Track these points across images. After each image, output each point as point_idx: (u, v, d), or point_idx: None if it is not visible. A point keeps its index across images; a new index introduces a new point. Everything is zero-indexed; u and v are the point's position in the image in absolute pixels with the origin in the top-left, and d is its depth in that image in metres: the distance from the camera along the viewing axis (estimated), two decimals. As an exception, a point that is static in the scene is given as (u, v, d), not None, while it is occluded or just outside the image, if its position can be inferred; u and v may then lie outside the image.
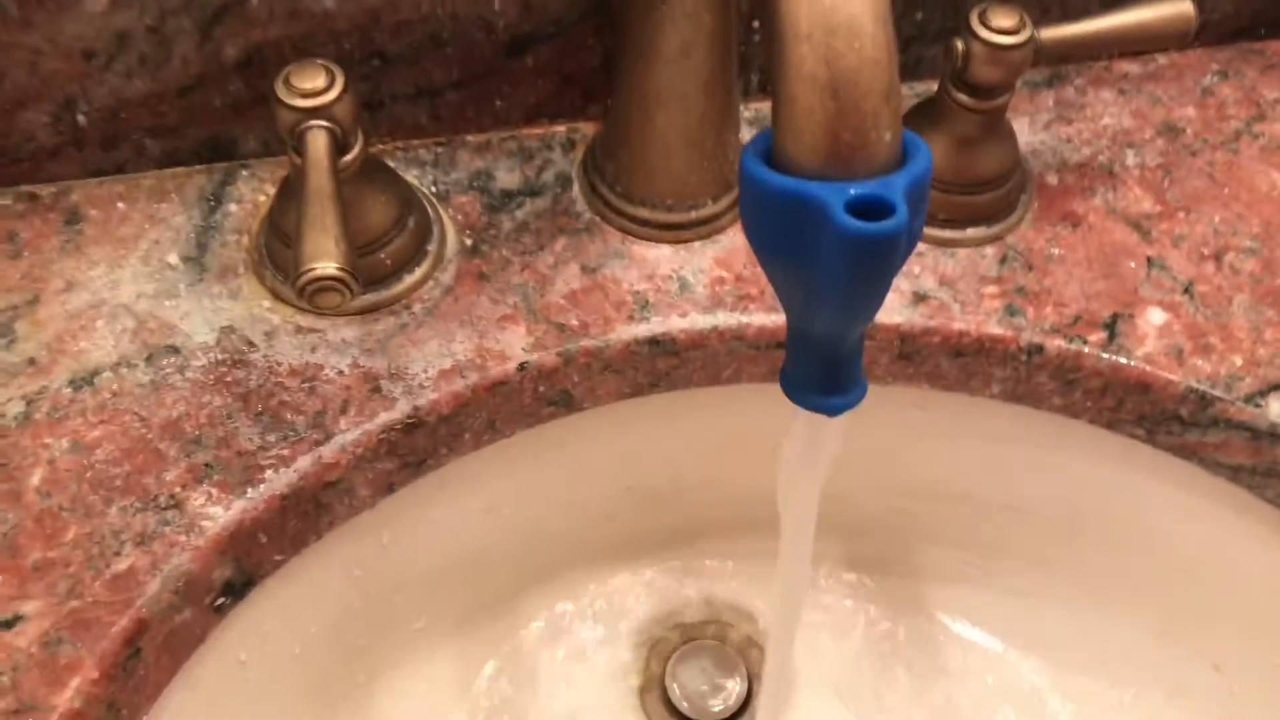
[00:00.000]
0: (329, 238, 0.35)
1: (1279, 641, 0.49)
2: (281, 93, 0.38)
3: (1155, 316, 0.46)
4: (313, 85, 0.38)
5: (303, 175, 0.37)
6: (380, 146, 0.48)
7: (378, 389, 0.42)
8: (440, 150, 0.49)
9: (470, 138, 0.49)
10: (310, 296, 0.35)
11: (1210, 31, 0.54)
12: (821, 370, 0.29)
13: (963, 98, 0.44)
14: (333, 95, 0.38)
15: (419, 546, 0.48)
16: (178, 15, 0.42)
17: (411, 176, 0.48)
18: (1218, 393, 0.44)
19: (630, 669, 0.55)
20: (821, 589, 0.57)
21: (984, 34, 0.42)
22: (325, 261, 0.35)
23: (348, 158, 0.40)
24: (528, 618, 0.55)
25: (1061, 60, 0.52)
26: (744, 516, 0.55)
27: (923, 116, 0.46)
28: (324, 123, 0.38)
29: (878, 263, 0.25)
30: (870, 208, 0.25)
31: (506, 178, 0.48)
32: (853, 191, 0.25)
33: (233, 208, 0.46)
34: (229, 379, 0.42)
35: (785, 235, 0.26)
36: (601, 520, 0.54)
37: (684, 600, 0.57)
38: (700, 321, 0.45)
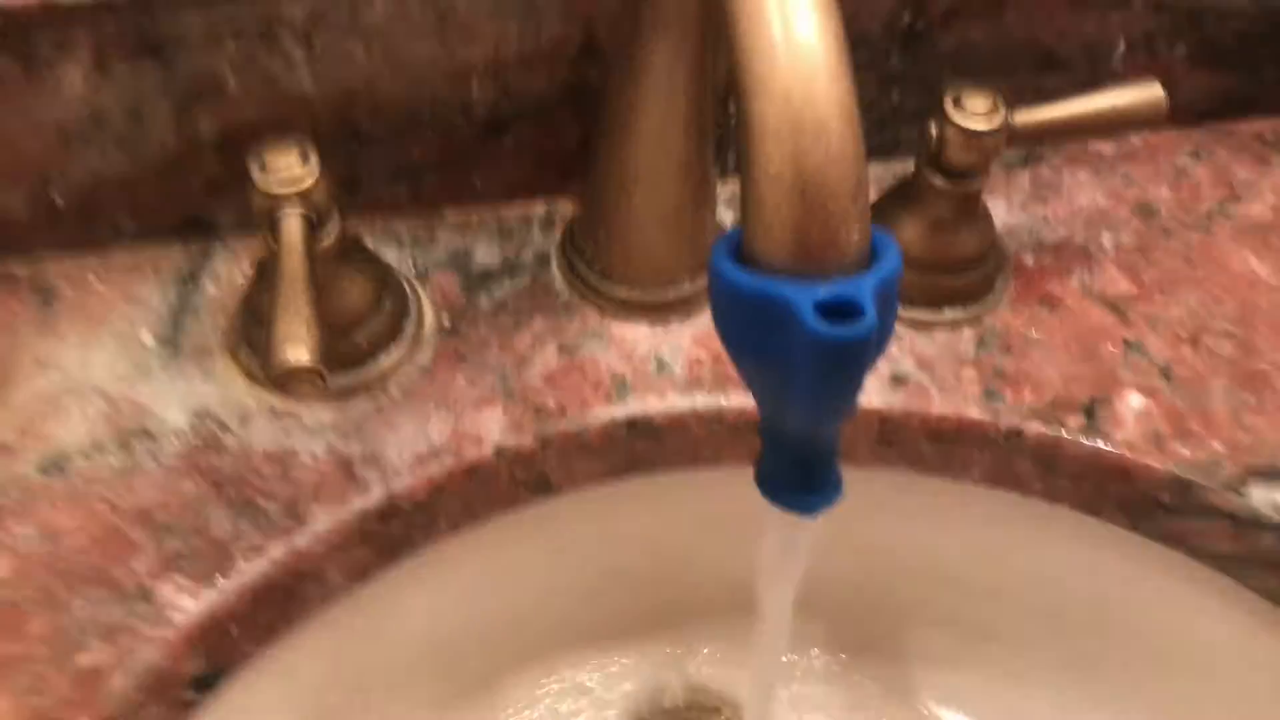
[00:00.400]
0: (301, 327, 0.35)
1: (1265, 726, 0.49)
2: (256, 177, 0.38)
3: (1134, 400, 0.46)
4: (287, 168, 0.38)
5: (277, 261, 0.37)
6: (359, 224, 0.48)
7: (353, 475, 0.41)
8: (419, 229, 0.49)
9: (449, 216, 0.49)
10: (283, 383, 0.35)
11: (1183, 112, 0.55)
12: (796, 469, 0.29)
13: (938, 180, 0.44)
14: (309, 181, 0.38)
15: (395, 633, 0.47)
16: (155, 97, 0.42)
17: (390, 254, 0.47)
18: (1199, 479, 0.44)
19: (610, 753, 0.54)
20: (805, 670, 0.57)
21: (957, 118, 0.42)
22: (298, 347, 0.34)
23: (324, 241, 0.40)
24: (508, 704, 0.54)
25: (1035, 142, 0.53)
26: (727, 598, 0.54)
27: (899, 198, 0.46)
28: (299, 209, 0.38)
29: (847, 365, 0.25)
30: (839, 309, 0.25)
31: (485, 256, 0.48)
32: (821, 293, 0.25)
33: (209, 286, 0.46)
34: (202, 464, 0.41)
35: (754, 334, 0.26)
36: (582, 603, 0.53)
37: (667, 684, 0.56)
38: (678, 403, 0.44)
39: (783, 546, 0.34)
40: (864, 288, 0.25)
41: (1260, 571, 0.45)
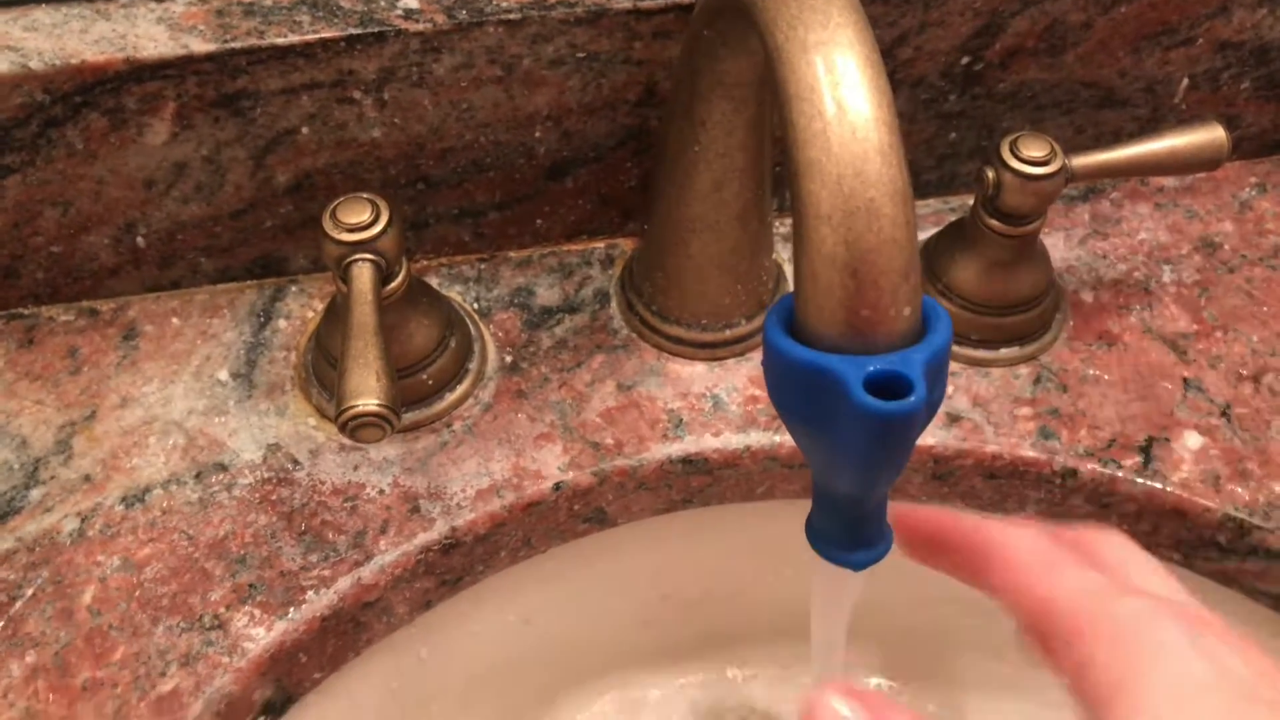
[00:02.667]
0: (371, 374, 0.37)
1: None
2: (328, 227, 0.40)
3: (1192, 440, 0.46)
4: (358, 219, 0.40)
5: (348, 308, 0.39)
6: (424, 263, 0.50)
7: (417, 509, 0.43)
8: (483, 266, 0.50)
9: (512, 254, 0.50)
10: (351, 432, 0.36)
11: (1247, 144, 0.55)
12: (845, 526, 0.30)
13: (994, 223, 0.44)
14: (378, 229, 0.40)
15: (455, 658, 0.48)
16: (232, 146, 0.44)
17: (454, 293, 0.49)
18: (1256, 521, 0.43)
19: (664, 776, 0.55)
20: (857, 697, 0.57)
21: (1015, 164, 0.43)
22: (367, 399, 0.36)
23: (391, 285, 0.41)
24: (563, 723, 0.55)
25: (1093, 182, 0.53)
26: (780, 623, 0.55)
27: (955, 238, 0.47)
28: (369, 255, 0.40)
29: (896, 437, 0.26)
30: (889, 385, 0.25)
31: (546, 294, 0.49)
32: (871, 368, 0.25)
33: (282, 324, 0.48)
34: (274, 497, 0.43)
35: (805, 402, 0.27)
36: (637, 628, 0.54)
37: (721, 708, 0.57)
38: (733, 441, 0.45)
39: (832, 592, 0.34)
40: (914, 362, 0.26)
41: (1320, 616, 0.44)
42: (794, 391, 0.27)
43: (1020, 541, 0.30)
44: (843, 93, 0.26)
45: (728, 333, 0.47)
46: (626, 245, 0.51)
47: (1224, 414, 0.46)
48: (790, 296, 0.28)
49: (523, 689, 0.53)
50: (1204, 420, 0.46)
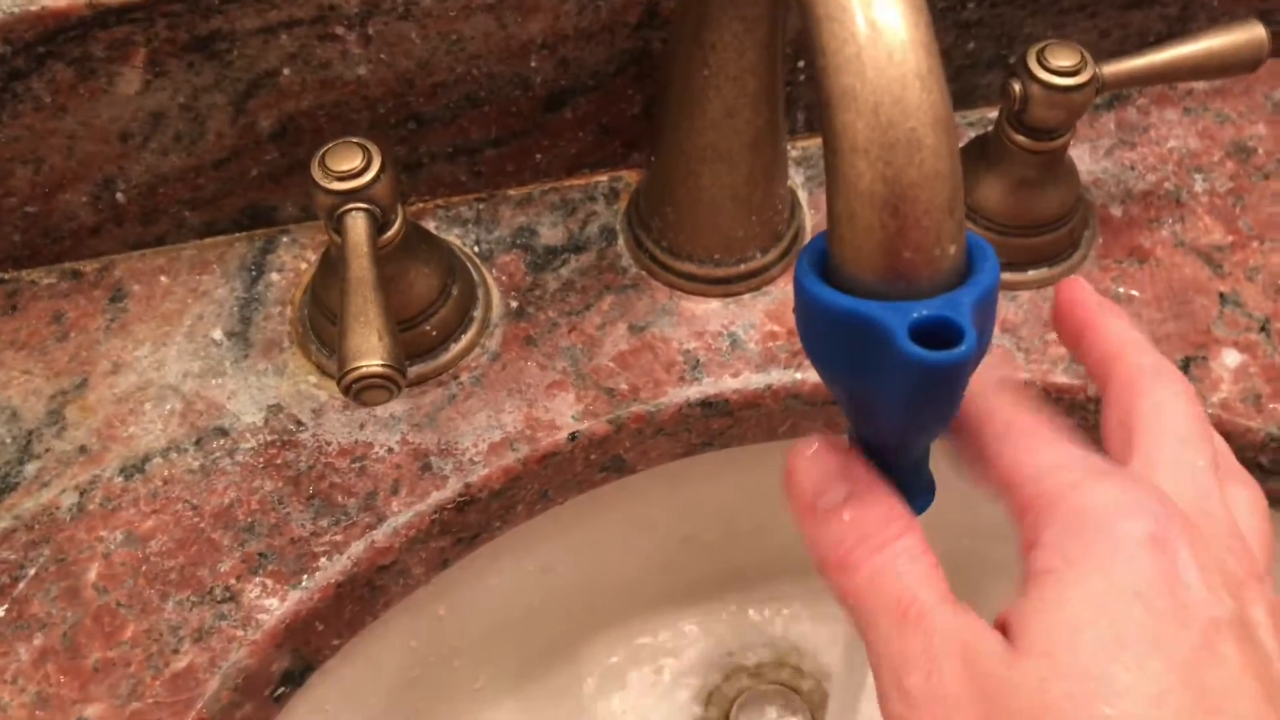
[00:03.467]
0: (372, 333, 0.35)
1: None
2: (318, 176, 0.37)
3: (1230, 358, 0.44)
4: (349, 166, 0.37)
5: (344, 261, 0.37)
6: (420, 206, 0.47)
7: (428, 466, 0.41)
8: (482, 207, 0.48)
9: (512, 192, 0.48)
10: (356, 395, 0.35)
11: (1280, 41, 0.52)
12: (888, 478, 0.28)
13: (1021, 139, 0.42)
14: (370, 176, 0.37)
15: (475, 612, 0.47)
16: (210, 92, 0.41)
17: (453, 236, 0.47)
18: (1300, 441, 0.42)
19: (694, 716, 0.54)
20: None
21: (1043, 75, 0.40)
22: (370, 359, 0.34)
23: (388, 234, 0.39)
24: (587, 669, 0.54)
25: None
26: (800, 558, 0.53)
27: (978, 156, 0.44)
28: (362, 205, 0.37)
29: (946, 388, 0.24)
30: (937, 332, 0.23)
31: (550, 233, 0.47)
32: (916, 315, 0.23)
33: (274, 276, 0.46)
34: (279, 461, 0.41)
35: (845, 354, 0.25)
36: (657, 570, 0.53)
37: (745, 644, 0.56)
38: (753, 381, 0.43)
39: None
40: (962, 306, 0.23)
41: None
42: (831, 342, 0.25)
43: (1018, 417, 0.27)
44: (876, 12, 0.23)
45: (742, 267, 0.45)
46: (631, 178, 0.48)
47: (1263, 329, 0.44)
48: (822, 237, 0.26)
49: (544, 638, 0.52)
50: (1242, 336, 0.44)
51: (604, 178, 0.48)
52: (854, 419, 0.27)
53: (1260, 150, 0.49)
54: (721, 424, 0.44)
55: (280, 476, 0.41)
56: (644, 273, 0.46)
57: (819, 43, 0.24)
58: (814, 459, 0.28)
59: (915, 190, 0.23)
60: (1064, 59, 0.40)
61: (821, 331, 0.25)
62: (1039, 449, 0.26)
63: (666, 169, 0.43)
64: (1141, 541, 0.23)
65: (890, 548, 0.26)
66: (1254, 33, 0.42)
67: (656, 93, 0.45)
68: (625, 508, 0.48)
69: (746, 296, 0.45)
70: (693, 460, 0.46)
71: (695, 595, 0.55)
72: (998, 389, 0.28)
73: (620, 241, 0.46)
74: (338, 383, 0.35)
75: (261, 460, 0.41)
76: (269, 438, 0.42)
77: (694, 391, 0.43)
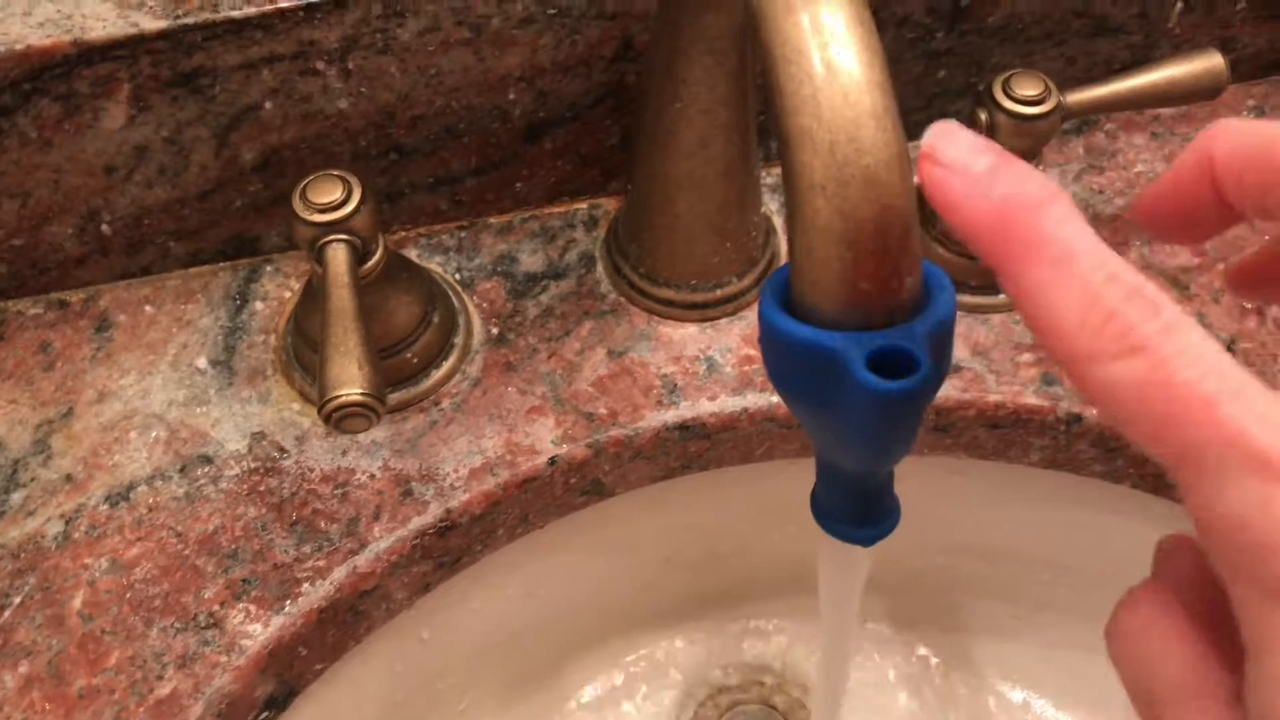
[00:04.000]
0: (352, 362, 0.35)
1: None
2: (299, 208, 0.38)
3: (1197, 378, 0.45)
4: (329, 199, 0.38)
5: (324, 292, 0.37)
6: (401, 234, 0.48)
7: (409, 492, 0.42)
8: (463, 235, 0.48)
9: (492, 220, 0.49)
10: (336, 423, 0.35)
11: (1243, 66, 0.53)
12: (852, 502, 0.29)
13: (989, 167, 0.43)
14: (350, 208, 0.38)
15: (458, 636, 0.48)
16: (194, 126, 0.42)
17: (435, 264, 0.47)
18: (1265, 459, 0.43)
19: (675, 736, 0.55)
20: (865, 647, 0.57)
21: (1008, 104, 0.41)
22: (349, 388, 0.35)
23: (368, 264, 0.40)
24: (571, 690, 0.55)
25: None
26: (782, 577, 0.54)
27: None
28: (343, 236, 0.38)
29: (902, 415, 0.25)
30: (893, 362, 0.24)
31: (530, 260, 0.48)
32: (873, 345, 0.24)
33: (258, 305, 0.46)
34: (262, 488, 0.42)
35: (806, 382, 0.26)
36: (639, 591, 0.54)
37: (727, 663, 0.57)
38: (730, 404, 0.44)
39: (841, 568, 0.34)
40: (917, 336, 0.24)
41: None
42: (793, 370, 0.26)
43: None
44: (832, 53, 0.24)
45: (718, 292, 0.45)
46: (610, 205, 0.49)
47: (1229, 349, 0.45)
48: (785, 269, 0.27)
49: (527, 660, 0.53)
50: (1209, 357, 0.45)
51: (583, 205, 0.49)
52: (819, 443, 0.28)
53: (1225, 174, 0.50)
54: (699, 447, 0.45)
55: (264, 503, 0.41)
56: (623, 299, 0.46)
57: (777, 83, 0.25)
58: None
59: (871, 225, 0.24)
60: (1028, 88, 0.41)
61: (784, 361, 0.26)
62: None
63: (643, 198, 0.43)
64: None
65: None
66: (1213, 61, 0.43)
67: (632, 124, 0.46)
68: (606, 530, 0.48)
69: (723, 321, 0.46)
70: (672, 483, 0.47)
71: (678, 615, 0.56)
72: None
73: (599, 268, 0.47)
74: (318, 411, 0.35)
75: (245, 487, 0.42)
76: (253, 465, 0.42)
77: (671, 415, 0.44)
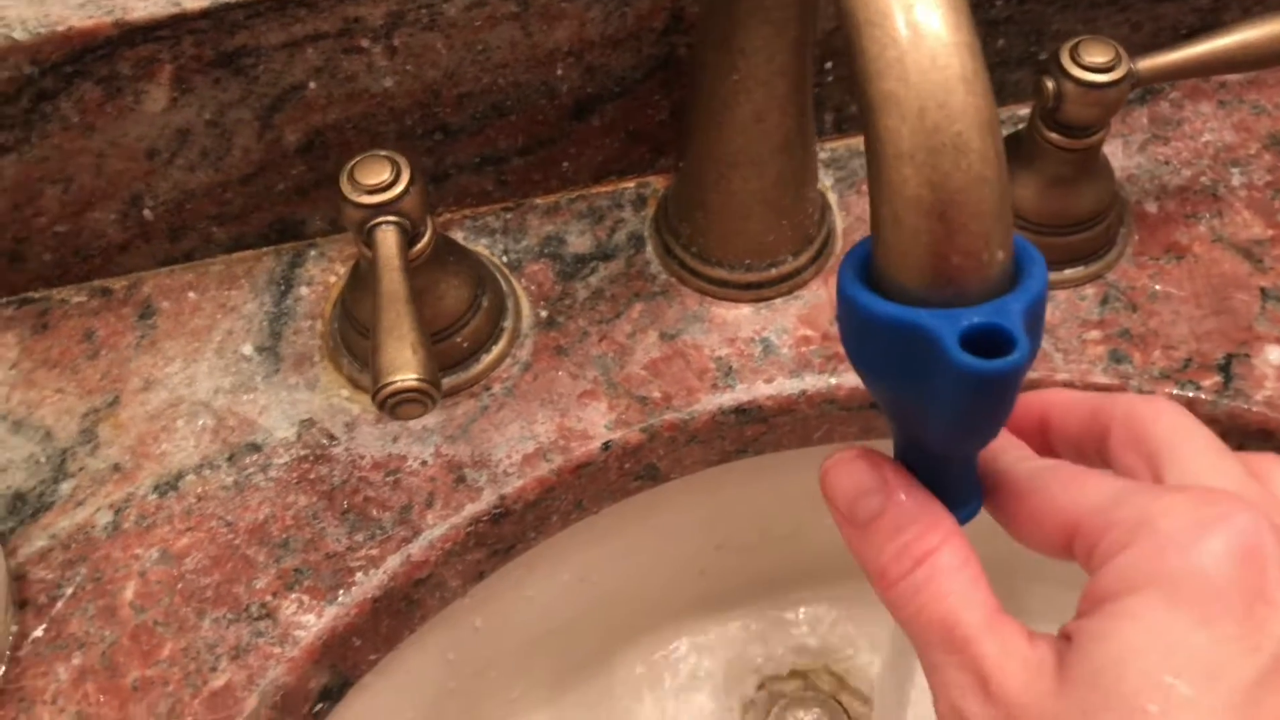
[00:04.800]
0: (406, 347, 0.34)
1: None
2: (347, 190, 0.37)
3: (1274, 354, 0.43)
4: (378, 180, 0.37)
5: (375, 276, 0.36)
6: (447, 216, 0.47)
7: (462, 478, 0.41)
8: (509, 216, 0.47)
9: (539, 201, 0.48)
10: (391, 409, 0.34)
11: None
12: (935, 486, 0.28)
13: (1055, 137, 0.41)
14: (399, 189, 0.37)
15: (511, 624, 0.47)
16: (236, 107, 0.41)
17: (481, 246, 0.46)
18: (1347, 438, 0.41)
19: (730, 724, 0.54)
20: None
21: (1077, 72, 0.39)
22: (405, 373, 0.34)
23: (418, 246, 0.39)
24: (622, 678, 0.54)
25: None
26: (836, 564, 0.53)
27: (1011, 154, 0.44)
28: (392, 218, 0.37)
29: (998, 396, 0.24)
30: (988, 340, 0.23)
31: (578, 241, 0.47)
32: (966, 322, 0.23)
33: (304, 290, 0.46)
34: (312, 476, 0.41)
35: (891, 362, 0.25)
36: (692, 577, 0.53)
37: (783, 650, 0.56)
38: (787, 386, 0.43)
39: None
40: (1012, 313, 0.23)
41: None
42: (878, 350, 0.25)
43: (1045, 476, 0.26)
44: (917, 15, 0.23)
45: (773, 271, 0.44)
46: (658, 183, 0.48)
47: (1306, 324, 0.44)
48: (865, 244, 0.25)
49: (580, 647, 0.52)
50: (1285, 332, 0.43)
51: (631, 184, 0.48)
52: (900, 425, 0.27)
53: (1297, 142, 0.49)
54: (756, 431, 0.44)
55: (314, 491, 0.41)
56: (674, 279, 0.45)
57: (859, 46, 0.23)
58: (848, 468, 0.27)
59: (963, 195, 0.23)
60: (1098, 55, 0.39)
61: (867, 340, 0.25)
62: (1093, 482, 0.25)
63: (695, 175, 0.42)
64: (1227, 557, 0.21)
65: (930, 561, 0.25)
66: (1291, 23, 0.41)
67: (683, 98, 0.45)
68: (660, 516, 0.47)
69: (778, 301, 0.45)
70: (727, 467, 0.46)
71: (731, 601, 0.55)
72: (1005, 446, 0.27)
73: (649, 248, 0.46)
74: (373, 398, 0.34)
75: (295, 475, 0.41)
76: (302, 452, 0.42)
77: (727, 399, 0.43)
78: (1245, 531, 0.22)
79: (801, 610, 0.56)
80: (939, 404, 0.24)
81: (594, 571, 0.49)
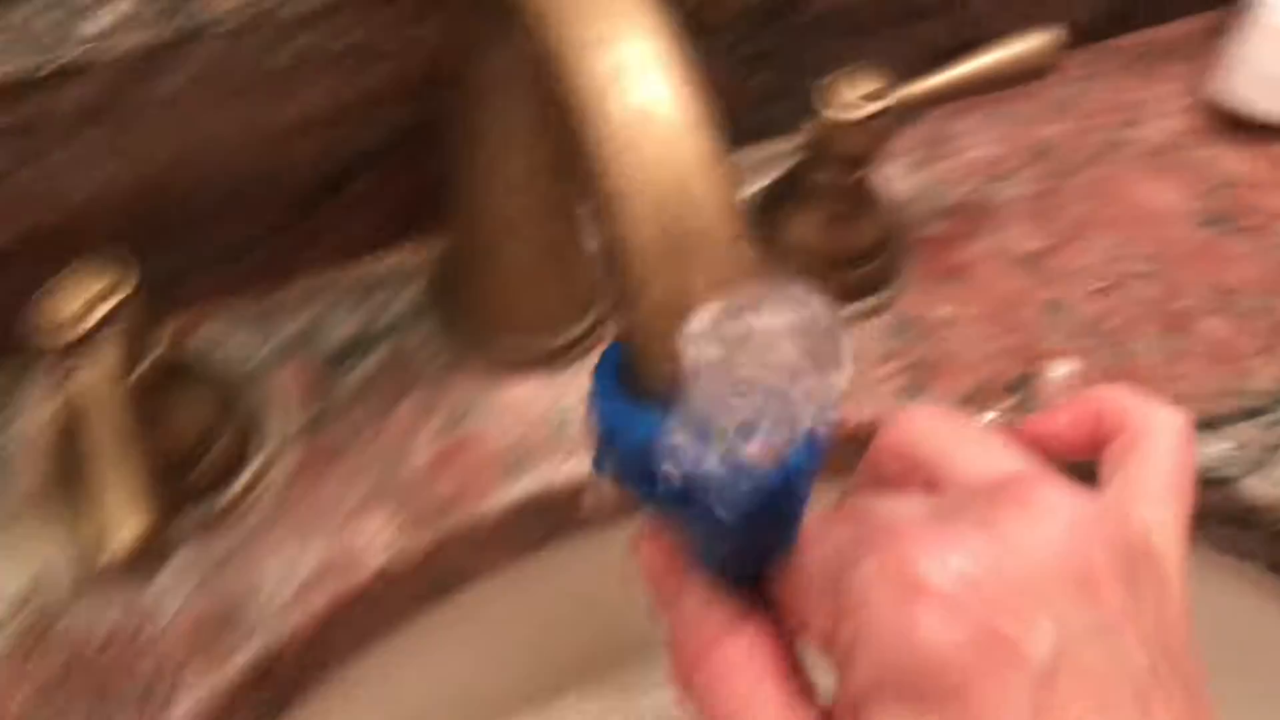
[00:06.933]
0: (127, 494, 0.29)
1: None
2: (49, 313, 0.32)
3: (1065, 367, 0.43)
4: (88, 295, 0.32)
5: (88, 412, 0.31)
6: (188, 319, 0.42)
7: (222, 629, 0.36)
8: (260, 308, 0.42)
9: (294, 290, 0.43)
10: (121, 568, 0.29)
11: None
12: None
13: (825, 175, 0.40)
14: (113, 304, 0.32)
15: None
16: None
17: (233, 344, 0.41)
18: (1146, 446, 0.41)
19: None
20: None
21: (838, 110, 0.38)
22: (129, 530, 0.29)
23: (143, 367, 0.34)
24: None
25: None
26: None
27: (785, 196, 0.42)
28: (109, 339, 0.32)
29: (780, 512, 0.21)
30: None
31: (343, 327, 0.42)
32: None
33: (21, 422, 0.39)
34: (42, 653, 0.35)
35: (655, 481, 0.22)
36: (525, 667, 0.49)
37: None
38: (588, 463, 0.40)
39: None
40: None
41: (1219, 528, 0.43)
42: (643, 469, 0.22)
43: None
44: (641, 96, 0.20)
45: (561, 339, 0.41)
46: (427, 256, 0.44)
47: (1092, 332, 0.43)
48: (615, 350, 0.23)
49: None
50: (1075, 343, 0.43)
51: (397, 259, 0.44)
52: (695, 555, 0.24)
53: (1061, 148, 0.49)
54: (559, 516, 0.40)
55: (48, 672, 0.35)
56: (452, 359, 0.41)
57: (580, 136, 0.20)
58: (646, 551, 0.27)
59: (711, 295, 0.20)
60: (861, 88, 0.38)
61: (631, 460, 0.22)
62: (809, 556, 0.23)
63: (468, 243, 0.39)
64: (939, 646, 0.20)
65: (714, 659, 0.23)
66: (1041, 41, 0.41)
67: (445, 164, 0.41)
68: (470, 621, 0.43)
69: (569, 371, 0.41)
70: (535, 557, 0.42)
71: (570, 679, 0.51)
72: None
73: (422, 327, 0.42)
74: (99, 559, 0.29)
75: (21, 653, 0.35)
76: (27, 622, 0.35)
77: (521, 488, 0.39)
78: (949, 607, 0.20)
79: (642, 682, 0.53)
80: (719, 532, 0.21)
81: (403, 696, 0.44)
